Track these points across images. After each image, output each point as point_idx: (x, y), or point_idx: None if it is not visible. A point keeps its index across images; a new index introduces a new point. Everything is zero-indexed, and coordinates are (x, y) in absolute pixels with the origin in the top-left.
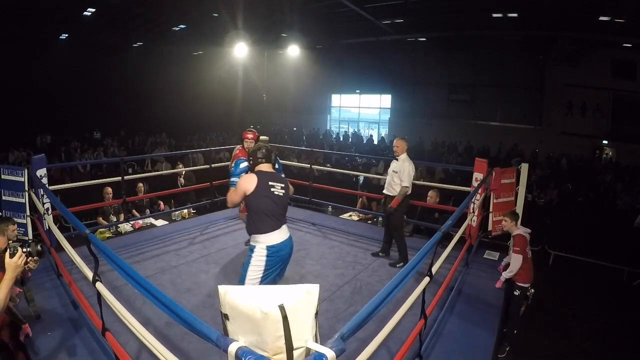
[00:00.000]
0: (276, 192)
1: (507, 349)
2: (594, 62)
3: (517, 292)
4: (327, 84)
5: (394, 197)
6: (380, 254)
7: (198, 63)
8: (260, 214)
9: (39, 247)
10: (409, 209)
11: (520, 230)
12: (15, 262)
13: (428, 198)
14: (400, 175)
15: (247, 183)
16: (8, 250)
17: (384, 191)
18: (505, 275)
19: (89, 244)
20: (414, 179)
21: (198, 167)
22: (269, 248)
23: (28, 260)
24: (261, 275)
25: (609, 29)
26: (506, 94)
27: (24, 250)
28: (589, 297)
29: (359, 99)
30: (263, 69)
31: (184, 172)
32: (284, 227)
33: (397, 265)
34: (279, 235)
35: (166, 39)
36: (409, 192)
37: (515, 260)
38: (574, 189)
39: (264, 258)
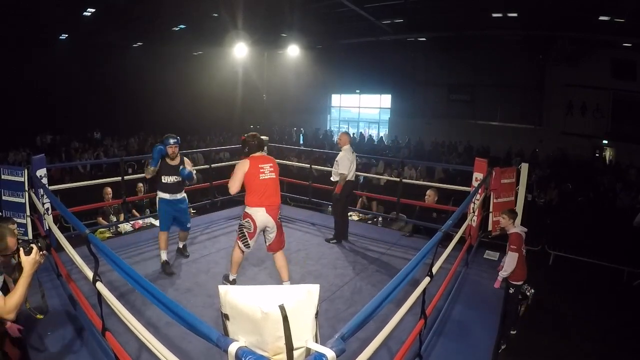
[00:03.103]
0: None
1: (503, 347)
2: (594, 62)
3: (511, 290)
4: (327, 84)
5: (336, 183)
6: (331, 241)
7: (198, 63)
8: None
9: (47, 242)
10: (353, 197)
11: (517, 228)
12: (33, 258)
13: (426, 197)
14: (338, 164)
15: None
16: (22, 249)
17: (331, 178)
18: (502, 274)
19: (89, 244)
20: (414, 179)
21: (199, 167)
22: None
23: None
24: None
25: (609, 29)
26: (506, 94)
27: (38, 245)
28: (589, 297)
29: (359, 99)
30: (263, 69)
31: None
32: None
33: (331, 242)
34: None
35: (166, 39)
36: (348, 178)
37: (510, 259)
38: (574, 189)
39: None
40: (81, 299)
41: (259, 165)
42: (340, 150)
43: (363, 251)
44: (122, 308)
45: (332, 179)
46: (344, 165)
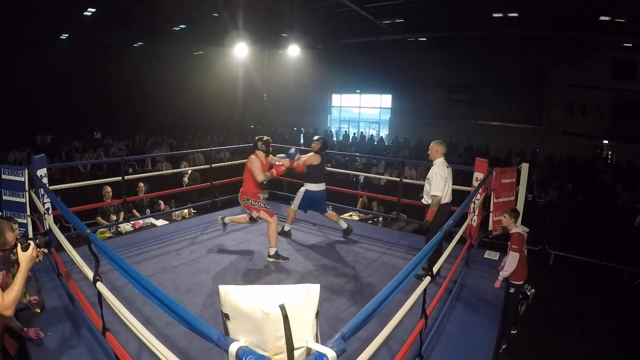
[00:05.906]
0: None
1: (504, 346)
2: (594, 62)
3: (512, 290)
4: (328, 84)
5: (429, 206)
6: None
7: (198, 63)
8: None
9: (46, 238)
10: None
11: (518, 228)
12: (30, 255)
13: None
14: (429, 182)
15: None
16: (20, 244)
17: (422, 200)
18: (503, 274)
19: (90, 244)
20: (415, 179)
21: (201, 167)
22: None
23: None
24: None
25: (609, 29)
26: (506, 94)
27: (36, 242)
28: (589, 296)
29: (360, 99)
30: (263, 69)
31: (189, 171)
32: None
33: (423, 278)
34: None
35: (166, 39)
36: (443, 201)
37: (512, 259)
38: (574, 189)
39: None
40: (81, 299)
41: None
42: (432, 165)
43: (363, 251)
44: (123, 308)
45: (423, 201)
46: (438, 185)
